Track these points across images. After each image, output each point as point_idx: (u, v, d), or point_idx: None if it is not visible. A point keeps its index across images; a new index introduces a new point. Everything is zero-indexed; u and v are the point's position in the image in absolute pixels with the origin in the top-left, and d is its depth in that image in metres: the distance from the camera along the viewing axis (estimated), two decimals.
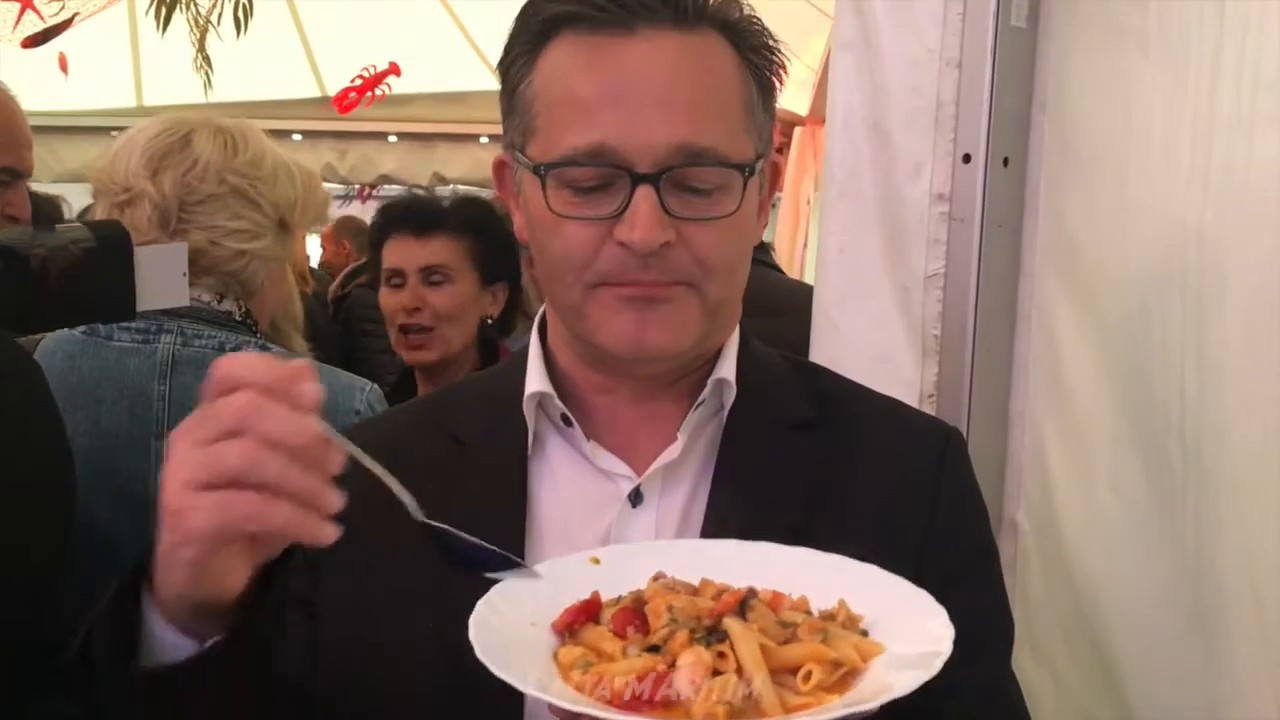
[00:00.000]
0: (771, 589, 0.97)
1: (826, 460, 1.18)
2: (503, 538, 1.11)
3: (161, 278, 1.65)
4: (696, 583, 0.99)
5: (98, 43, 6.11)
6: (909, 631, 0.92)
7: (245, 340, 1.94)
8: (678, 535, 1.14)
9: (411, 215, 2.82)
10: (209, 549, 0.88)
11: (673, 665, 0.88)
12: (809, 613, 0.96)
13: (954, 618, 1.01)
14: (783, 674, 0.89)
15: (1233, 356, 1.35)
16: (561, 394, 1.19)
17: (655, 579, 0.99)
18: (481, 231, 2.78)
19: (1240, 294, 1.34)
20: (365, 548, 1.14)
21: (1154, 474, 1.49)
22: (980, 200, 1.76)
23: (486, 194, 3.69)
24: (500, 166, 1.22)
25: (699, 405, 1.18)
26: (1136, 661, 1.53)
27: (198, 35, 4.61)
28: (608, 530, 1.15)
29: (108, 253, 1.57)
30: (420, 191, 3.73)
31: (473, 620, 0.92)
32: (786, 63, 1.20)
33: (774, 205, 1.37)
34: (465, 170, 7.11)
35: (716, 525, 1.14)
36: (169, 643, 0.94)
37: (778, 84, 1.19)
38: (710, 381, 1.18)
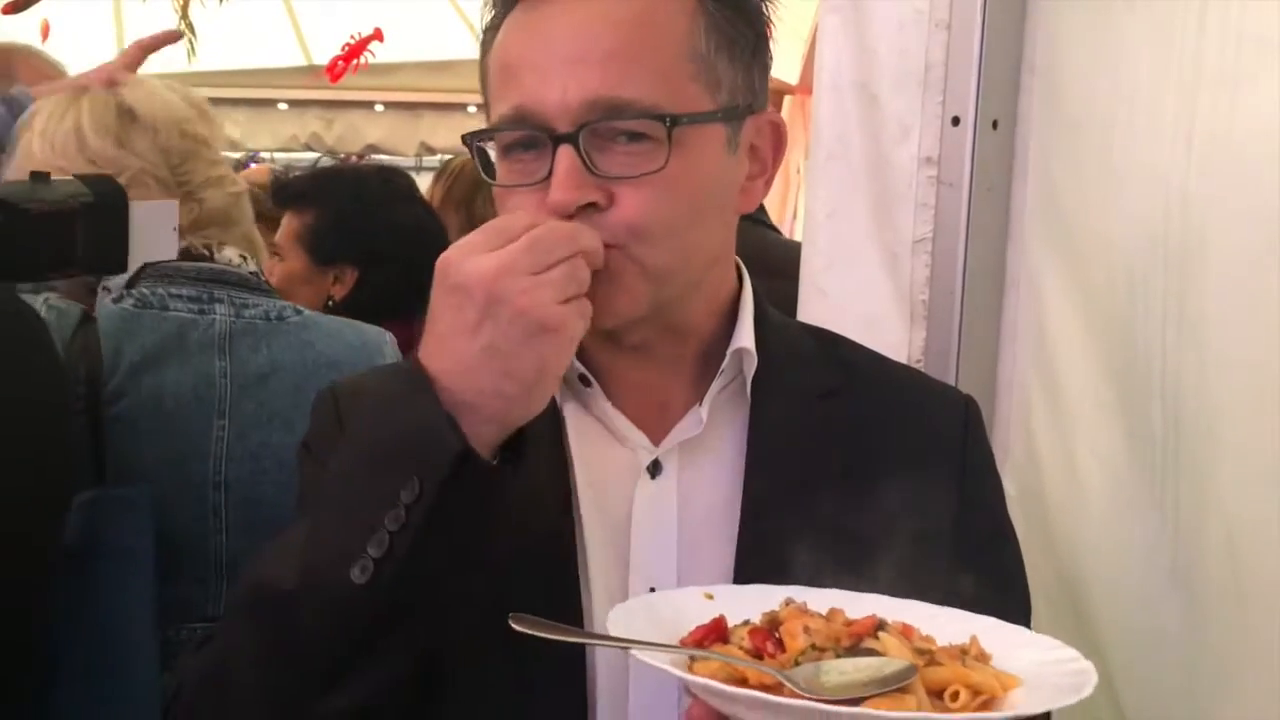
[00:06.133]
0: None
1: (855, 429, 1.17)
2: (552, 495, 1.12)
3: (154, 233, 1.65)
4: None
5: (80, 9, 6.04)
6: (1036, 666, 0.94)
7: (282, 305, 1.93)
8: (704, 509, 1.13)
9: (274, 190, 2.80)
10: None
11: None
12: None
13: (979, 588, 1.04)
14: (929, 695, 0.89)
15: (1213, 317, 1.35)
16: (578, 355, 1.15)
17: (786, 603, 0.99)
18: (326, 209, 2.67)
19: (1221, 253, 1.33)
20: None
21: (1135, 436, 1.49)
22: (969, 164, 1.75)
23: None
24: None
25: (720, 376, 1.15)
26: (1116, 623, 1.54)
27: (181, 2, 4.57)
28: (629, 502, 1.13)
29: (104, 208, 1.56)
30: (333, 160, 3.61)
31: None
32: (771, 16, 1.16)
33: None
34: (453, 140, 7.07)
35: (754, 501, 1.12)
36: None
37: (767, 35, 1.15)
38: (729, 352, 1.15)
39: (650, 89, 1.05)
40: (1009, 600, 1.15)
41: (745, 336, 1.15)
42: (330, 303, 2.66)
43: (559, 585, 1.09)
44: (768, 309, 1.21)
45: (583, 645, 1.07)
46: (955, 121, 1.74)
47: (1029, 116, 1.74)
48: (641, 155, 1.05)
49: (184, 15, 4.63)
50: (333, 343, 1.90)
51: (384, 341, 2.01)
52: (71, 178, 1.57)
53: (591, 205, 1.04)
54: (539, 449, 1.11)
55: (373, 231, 2.66)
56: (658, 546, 1.12)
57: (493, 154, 1.12)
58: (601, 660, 1.09)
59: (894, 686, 0.87)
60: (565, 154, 1.04)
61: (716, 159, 1.11)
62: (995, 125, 1.75)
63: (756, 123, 1.15)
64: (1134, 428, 1.50)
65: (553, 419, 1.14)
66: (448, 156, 6.23)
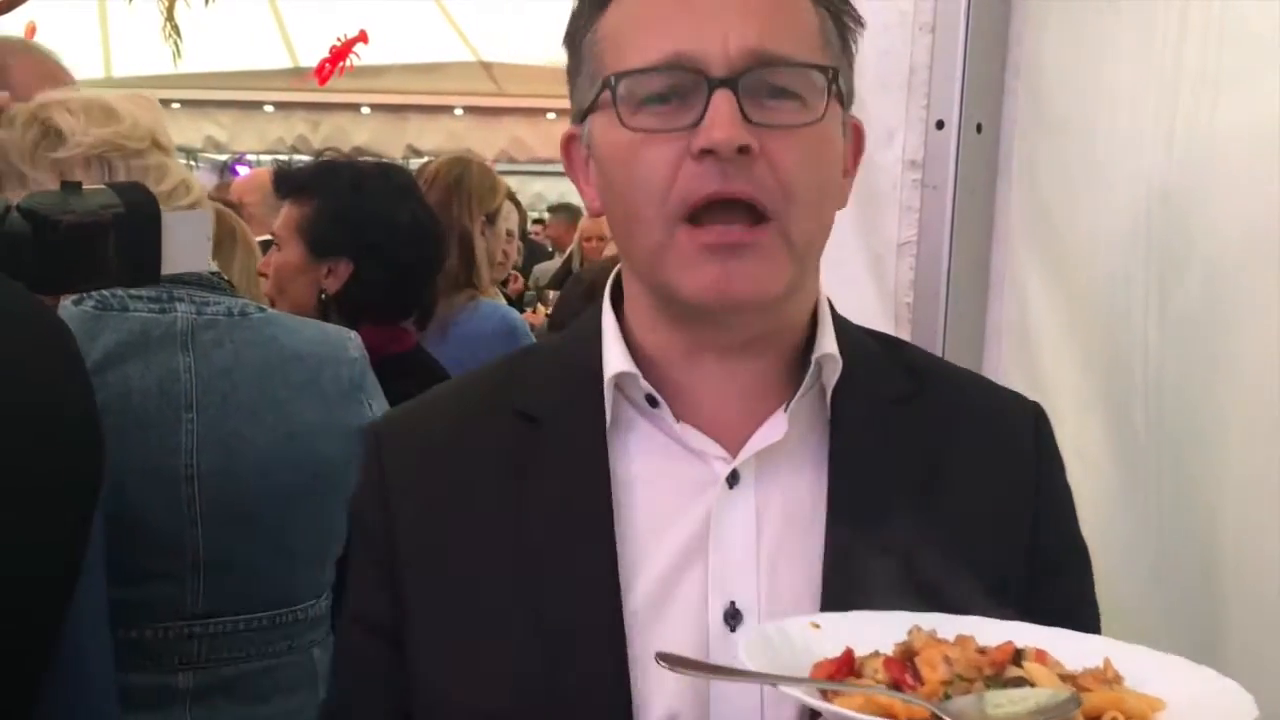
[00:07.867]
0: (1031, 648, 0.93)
1: (931, 436, 1.14)
2: (591, 518, 1.09)
3: (187, 243, 1.63)
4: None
5: (66, 11, 6.02)
6: (1172, 686, 0.90)
7: (244, 303, 1.93)
8: (783, 519, 1.09)
9: (276, 180, 2.81)
10: None
11: None
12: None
13: (1056, 608, 1.02)
14: None
15: (1195, 316, 1.36)
16: (644, 372, 1.11)
17: (913, 631, 0.94)
18: (326, 199, 2.66)
19: (1203, 252, 1.34)
20: (456, 576, 1.11)
21: (1118, 435, 1.50)
22: (953, 167, 1.76)
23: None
24: (569, 141, 1.17)
25: (804, 381, 1.11)
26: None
27: (166, 3, 4.56)
28: (707, 514, 1.09)
29: (136, 218, 1.54)
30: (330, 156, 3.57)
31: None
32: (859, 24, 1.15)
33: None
34: (439, 142, 7.08)
35: (841, 511, 1.09)
36: None
37: (852, 45, 1.14)
38: (814, 359, 1.11)
39: (800, 48, 1.06)
40: (1086, 616, 1.14)
41: (830, 343, 1.12)
42: (323, 295, 2.66)
43: (602, 611, 1.07)
44: (840, 315, 1.19)
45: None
46: (939, 125, 1.75)
47: (1013, 119, 1.75)
48: (792, 108, 1.05)
49: (169, 17, 4.62)
50: (295, 337, 1.93)
51: (347, 339, 2.01)
52: (103, 186, 1.54)
53: (745, 150, 1.01)
54: (577, 469, 1.10)
55: (370, 226, 2.66)
56: (737, 559, 1.08)
57: (604, 118, 1.08)
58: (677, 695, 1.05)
59: (1057, 717, 0.83)
60: (726, 97, 1.01)
61: (839, 136, 1.11)
62: (979, 128, 1.75)
63: (846, 118, 1.14)
64: (1117, 427, 1.51)
65: (596, 436, 1.11)
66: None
